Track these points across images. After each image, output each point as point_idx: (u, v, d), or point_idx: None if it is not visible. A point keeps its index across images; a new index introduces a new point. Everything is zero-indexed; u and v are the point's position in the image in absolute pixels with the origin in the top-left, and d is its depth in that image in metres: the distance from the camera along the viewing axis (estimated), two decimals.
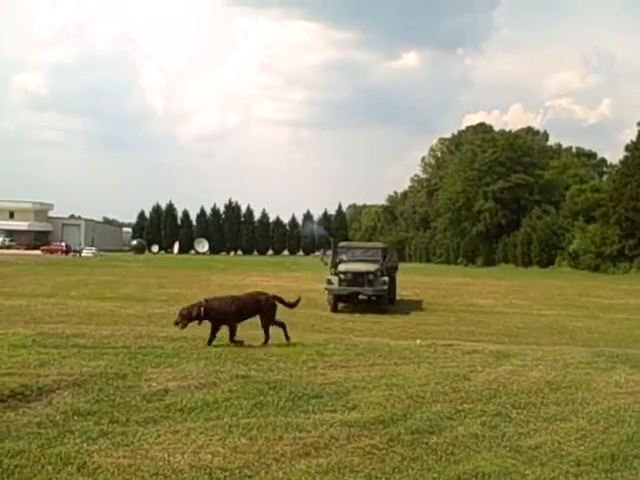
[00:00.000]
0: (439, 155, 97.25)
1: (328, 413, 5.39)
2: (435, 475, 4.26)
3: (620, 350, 9.93)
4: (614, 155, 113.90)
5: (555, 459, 4.62)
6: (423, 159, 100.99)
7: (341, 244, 23.41)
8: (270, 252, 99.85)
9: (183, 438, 4.72)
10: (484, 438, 4.93)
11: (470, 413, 5.52)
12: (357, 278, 20.06)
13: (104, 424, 4.93)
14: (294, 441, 4.73)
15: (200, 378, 6.34)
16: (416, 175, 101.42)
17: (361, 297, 20.65)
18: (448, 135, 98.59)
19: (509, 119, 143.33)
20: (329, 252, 23.27)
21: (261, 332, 8.91)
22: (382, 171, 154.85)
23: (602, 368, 7.70)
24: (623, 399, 6.15)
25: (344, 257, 21.37)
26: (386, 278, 20.58)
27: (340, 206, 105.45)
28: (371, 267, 20.27)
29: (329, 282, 20.13)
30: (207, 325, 8.67)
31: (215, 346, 8.26)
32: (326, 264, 21.81)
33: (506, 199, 72.56)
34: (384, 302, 20.22)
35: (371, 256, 21.34)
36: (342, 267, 20.28)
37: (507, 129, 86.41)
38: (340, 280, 20.06)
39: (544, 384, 6.63)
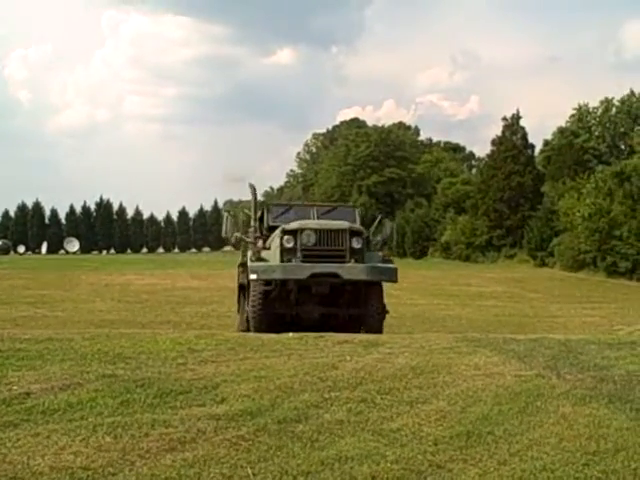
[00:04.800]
0: (314, 150, 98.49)
1: (196, 407, 5.38)
2: (299, 461, 4.36)
3: (483, 335, 10.39)
4: (482, 149, 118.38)
5: (415, 440, 4.81)
6: (298, 154, 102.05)
7: (274, 202, 15.22)
8: (144, 250, 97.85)
9: (44, 440, 4.60)
10: (349, 424, 5.07)
11: (336, 401, 5.65)
12: (329, 241, 11.03)
13: None
14: (160, 437, 4.70)
15: (64, 379, 6.16)
16: (292, 170, 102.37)
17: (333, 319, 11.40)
18: (322, 130, 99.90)
19: (382, 114, 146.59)
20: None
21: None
22: (258, 166, 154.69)
23: (464, 352, 8.04)
24: (481, 380, 6.46)
25: (288, 216, 12.42)
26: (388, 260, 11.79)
27: (216, 202, 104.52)
28: (355, 225, 11.73)
29: (257, 260, 11.05)
30: (77, 326, 8.45)
31: (82, 346, 8.05)
32: (239, 243, 12.70)
33: (380, 193, 74.41)
34: (376, 317, 11.27)
35: (342, 218, 12.20)
36: (293, 224, 11.23)
37: (380, 124, 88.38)
38: (286, 250, 10.95)
39: (408, 369, 6.86)
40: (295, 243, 11.02)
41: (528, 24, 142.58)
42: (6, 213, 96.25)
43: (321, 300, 11.32)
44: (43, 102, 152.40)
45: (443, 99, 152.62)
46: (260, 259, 11.18)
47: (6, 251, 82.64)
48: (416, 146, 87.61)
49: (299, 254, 10.97)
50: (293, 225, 11.31)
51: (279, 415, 5.21)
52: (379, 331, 11.05)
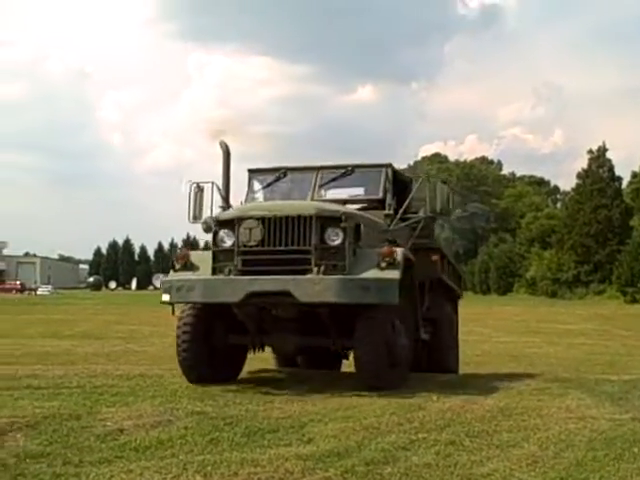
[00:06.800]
0: None
1: (283, 447, 5.39)
2: None
3: (574, 375, 10.10)
4: (567, 183, 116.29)
5: None
6: None
7: (262, 168, 9.87)
8: None
9: (137, 478, 4.69)
10: (437, 467, 4.99)
11: (424, 443, 5.57)
12: (284, 236, 7.48)
13: (57, 466, 4.86)
14: (249, 476, 4.73)
15: (155, 416, 6.29)
16: None
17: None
18: (404, 166, 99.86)
19: (464, 149, 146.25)
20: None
21: None
22: None
23: (555, 394, 7.83)
24: (574, 424, 6.26)
25: (279, 188, 9.43)
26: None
27: None
28: (327, 207, 8.01)
29: (181, 268, 7.96)
30: (165, 361, 8.64)
31: (171, 383, 8.22)
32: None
33: (463, 228, 73.56)
34: (375, 355, 7.53)
35: (360, 186, 9.41)
36: (232, 211, 8.34)
37: (463, 159, 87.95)
38: (222, 253, 7.77)
39: (497, 411, 6.72)
40: (235, 242, 7.63)
41: (612, 55, 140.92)
42: (98, 250, 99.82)
43: (295, 326, 7.95)
44: (133, 143, 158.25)
45: (526, 132, 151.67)
46: (186, 266, 7.96)
47: (98, 287, 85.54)
48: (499, 180, 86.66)
49: (237, 259, 7.59)
50: (231, 213, 8.09)
51: (366, 457, 5.16)
52: (378, 381, 7.65)
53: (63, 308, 37.93)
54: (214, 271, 7.71)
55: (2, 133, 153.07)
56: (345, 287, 7.26)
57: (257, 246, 7.50)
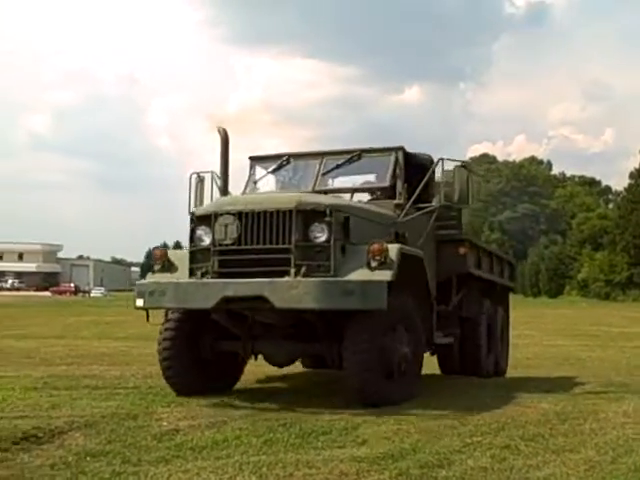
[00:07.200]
0: None
1: (338, 449, 5.41)
2: None
3: (629, 379, 9.92)
4: (619, 183, 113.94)
5: None
6: None
7: (264, 155, 9.12)
8: None
9: (194, 477, 4.75)
10: (493, 471, 4.95)
11: (479, 446, 5.53)
12: (262, 233, 6.72)
13: (116, 464, 4.96)
14: (304, 478, 4.76)
15: (210, 417, 6.39)
16: None
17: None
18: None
19: (513, 149, 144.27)
20: None
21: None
22: None
23: (611, 398, 7.71)
24: (631, 429, 6.15)
25: (283, 177, 8.92)
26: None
27: None
28: (311, 199, 7.08)
29: (160, 270, 7.35)
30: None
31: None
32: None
33: (513, 229, 72.71)
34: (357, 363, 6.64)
35: (369, 173, 8.80)
36: (209, 206, 7.55)
37: (511, 159, 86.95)
38: (200, 253, 7.05)
39: (553, 415, 6.64)
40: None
41: None
42: (149, 253, 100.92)
43: (288, 332, 7.25)
44: (181, 147, 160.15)
45: (576, 132, 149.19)
46: (164, 267, 7.34)
47: None
48: (549, 181, 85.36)
49: (213, 260, 6.90)
50: (207, 207, 7.36)
51: (421, 459, 5.15)
52: (367, 396, 6.77)
53: (116, 310, 38.55)
54: (192, 272, 7.01)
55: (56, 138, 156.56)
56: (325, 291, 6.40)
57: (233, 245, 6.76)
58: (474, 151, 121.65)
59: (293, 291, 6.37)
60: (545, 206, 75.89)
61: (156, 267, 7.34)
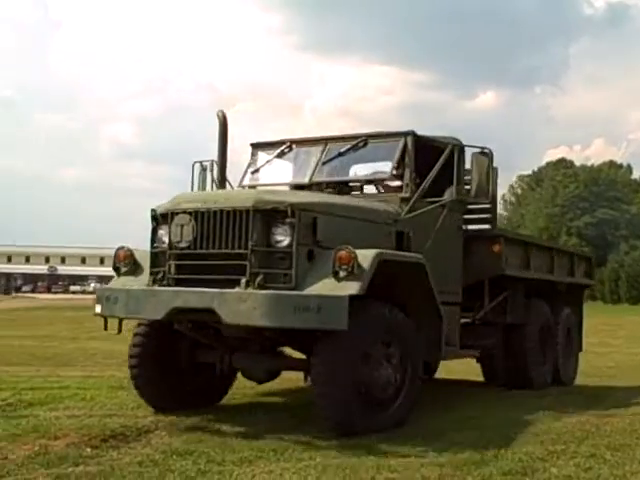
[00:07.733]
0: (519, 192, 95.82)
1: (421, 454, 5.41)
2: None
3: None
4: None
5: None
6: (503, 196, 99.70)
7: (266, 141, 8.26)
8: None
9: (277, 478, 4.83)
10: None
11: (563, 454, 5.43)
12: (218, 235, 5.89)
13: (201, 463, 5.07)
14: None
15: (291, 418, 6.49)
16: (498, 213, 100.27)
17: None
18: (528, 172, 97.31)
19: (591, 153, 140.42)
20: None
21: None
22: None
23: None
24: None
25: (283, 165, 8.05)
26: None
27: None
28: (268, 197, 6.04)
29: (125, 273, 6.58)
30: None
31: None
32: None
33: (591, 235, 70.89)
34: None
35: (375, 160, 7.70)
36: (167, 203, 6.31)
37: (589, 164, 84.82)
38: (161, 255, 6.22)
39: (639, 425, 6.48)
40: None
41: None
42: None
43: (266, 344, 6.45)
44: None
45: None
46: (129, 271, 6.61)
47: None
48: (629, 185, 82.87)
49: (169, 264, 6.15)
50: (167, 205, 6.32)
51: (504, 466, 5.09)
52: (341, 426, 5.86)
53: None
54: (153, 277, 6.24)
55: (136, 145, 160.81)
56: (277, 306, 5.46)
57: (189, 248, 5.98)
58: (551, 155, 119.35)
59: (242, 305, 5.52)
60: (625, 211, 73.71)
61: (123, 269, 6.60)
